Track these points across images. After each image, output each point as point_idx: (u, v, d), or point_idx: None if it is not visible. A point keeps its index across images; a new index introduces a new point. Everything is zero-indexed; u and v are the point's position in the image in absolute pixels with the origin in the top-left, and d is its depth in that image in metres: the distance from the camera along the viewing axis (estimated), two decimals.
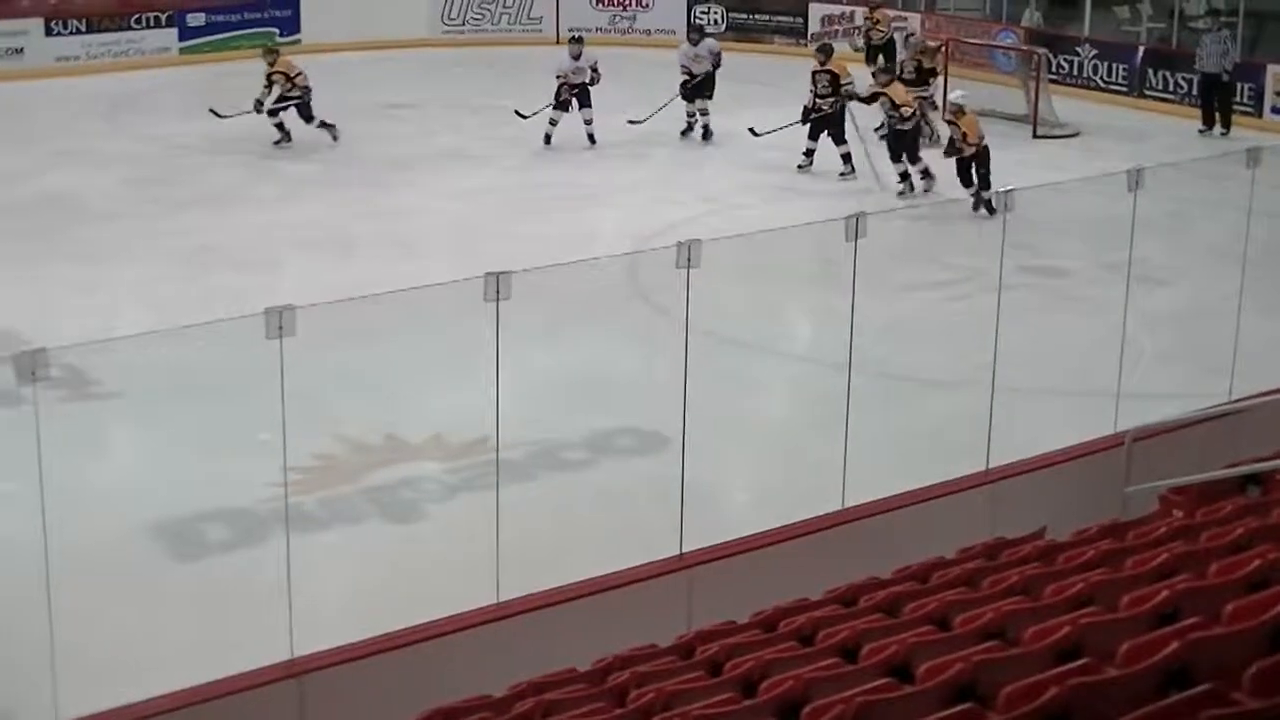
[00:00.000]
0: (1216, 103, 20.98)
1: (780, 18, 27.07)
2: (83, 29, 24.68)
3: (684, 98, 20.22)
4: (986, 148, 16.60)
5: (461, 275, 7.62)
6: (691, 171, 18.85)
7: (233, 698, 7.01)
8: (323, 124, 19.49)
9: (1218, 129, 20.92)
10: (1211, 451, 9.11)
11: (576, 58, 19.73)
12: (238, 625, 8.05)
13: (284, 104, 19.30)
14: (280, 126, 19.45)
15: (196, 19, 25.51)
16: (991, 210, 14.73)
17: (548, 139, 19.60)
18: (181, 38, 25.31)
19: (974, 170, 16.51)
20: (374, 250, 15.16)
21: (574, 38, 20.73)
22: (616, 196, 17.68)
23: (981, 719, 4.91)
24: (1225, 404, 10.07)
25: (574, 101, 19.64)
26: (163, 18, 25.16)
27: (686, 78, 20.20)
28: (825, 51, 19.12)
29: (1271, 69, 21.46)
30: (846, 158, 18.25)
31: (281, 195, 17.52)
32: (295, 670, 7.16)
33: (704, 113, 20.23)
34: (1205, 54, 21.06)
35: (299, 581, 7.28)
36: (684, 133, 20.26)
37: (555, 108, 19.62)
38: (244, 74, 24.16)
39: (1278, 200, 10.56)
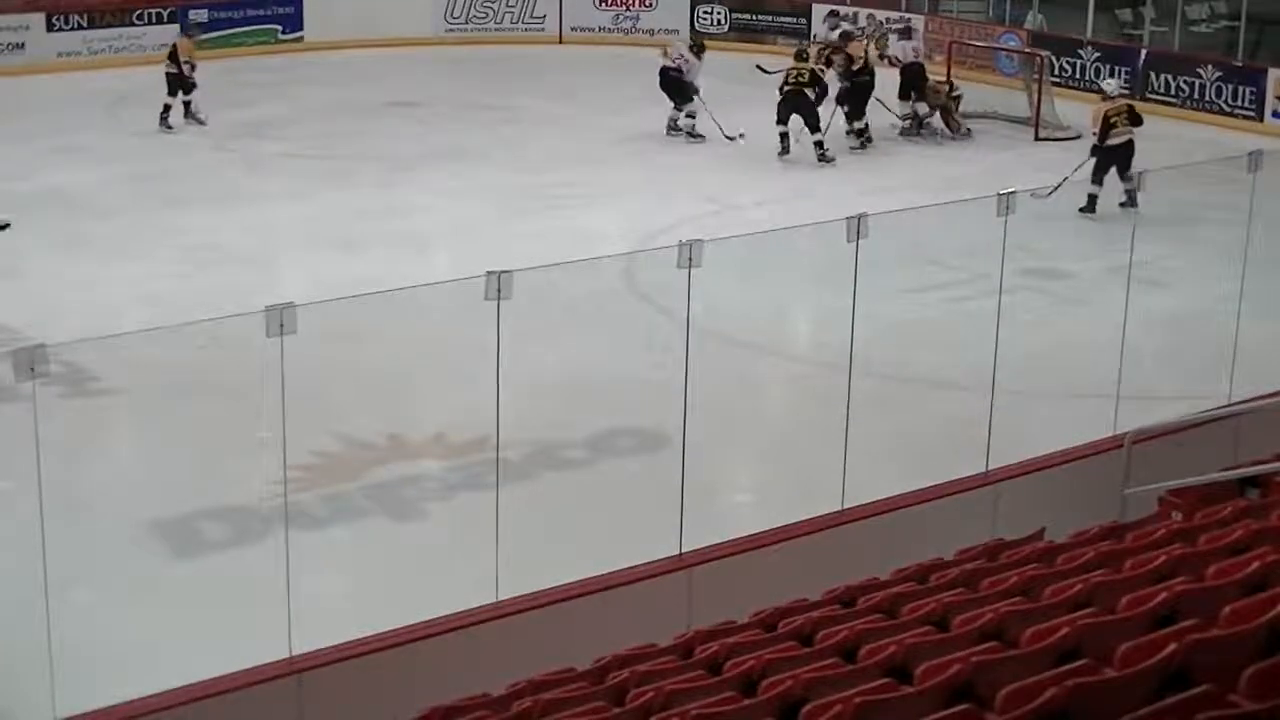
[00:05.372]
0: None
1: (783, 18, 27.09)
2: (84, 24, 24.69)
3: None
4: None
5: (463, 274, 7.62)
6: (693, 172, 18.84)
7: (232, 695, 7.02)
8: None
9: None
10: (1210, 454, 9.12)
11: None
12: (237, 623, 8.05)
13: None
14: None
15: (199, 15, 25.45)
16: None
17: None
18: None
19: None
20: (376, 248, 15.16)
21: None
22: (619, 196, 17.69)
23: None
24: (1224, 406, 10.07)
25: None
26: (165, 14, 25.14)
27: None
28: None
29: (1273, 73, 21.47)
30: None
31: (284, 192, 17.51)
32: (295, 668, 7.16)
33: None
34: None
35: (299, 579, 7.28)
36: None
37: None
38: (246, 70, 24.29)
39: (1278, 203, 10.55)
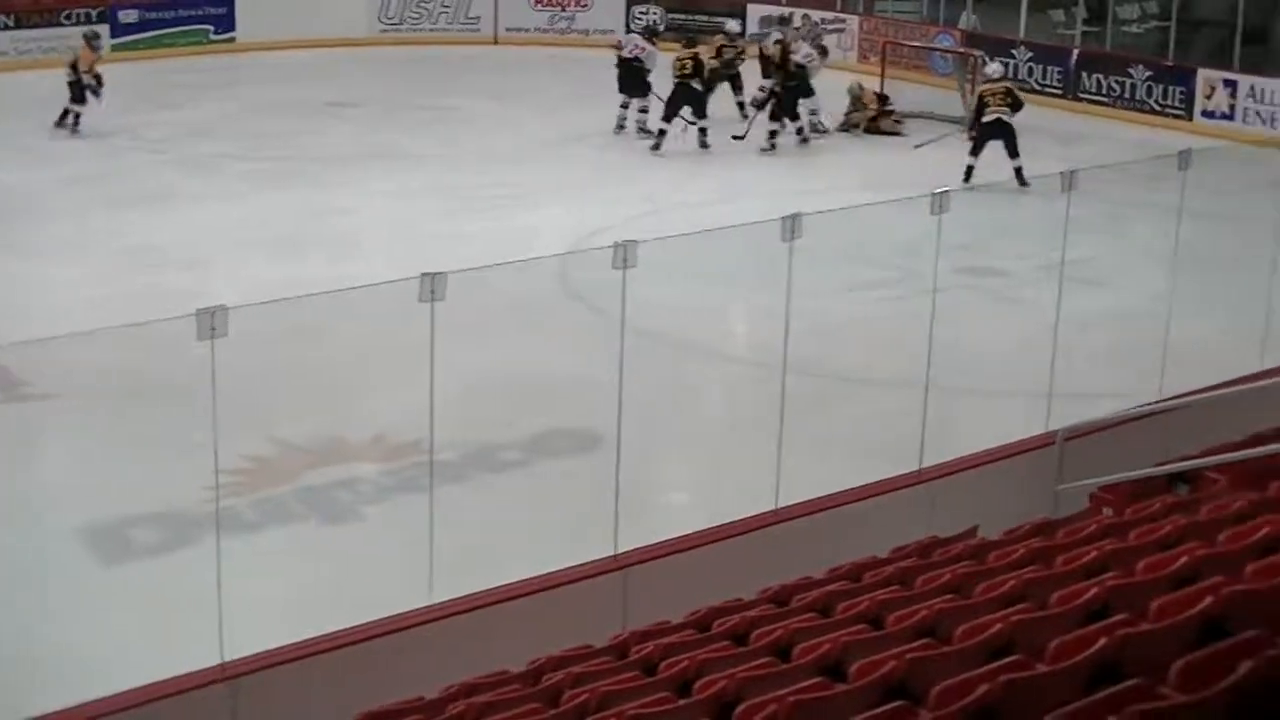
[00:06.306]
0: None
1: (719, 18, 27.06)
2: (11, 24, 24.37)
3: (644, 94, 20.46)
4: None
5: (399, 275, 7.59)
6: (630, 171, 18.85)
7: (164, 702, 6.96)
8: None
9: None
10: (1141, 450, 9.19)
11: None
12: (169, 629, 7.98)
13: None
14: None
15: (129, 15, 25.22)
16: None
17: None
18: (114, 34, 24.96)
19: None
20: (313, 249, 15.05)
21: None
22: (555, 196, 17.66)
23: (913, 717, 4.94)
24: (1155, 403, 10.16)
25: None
26: (94, 14, 24.82)
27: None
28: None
29: (1202, 73, 21.73)
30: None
31: (219, 194, 17.38)
32: (227, 674, 7.11)
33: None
34: None
35: (232, 584, 7.22)
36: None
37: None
38: (178, 71, 24.10)
39: (1208, 202, 10.66)
